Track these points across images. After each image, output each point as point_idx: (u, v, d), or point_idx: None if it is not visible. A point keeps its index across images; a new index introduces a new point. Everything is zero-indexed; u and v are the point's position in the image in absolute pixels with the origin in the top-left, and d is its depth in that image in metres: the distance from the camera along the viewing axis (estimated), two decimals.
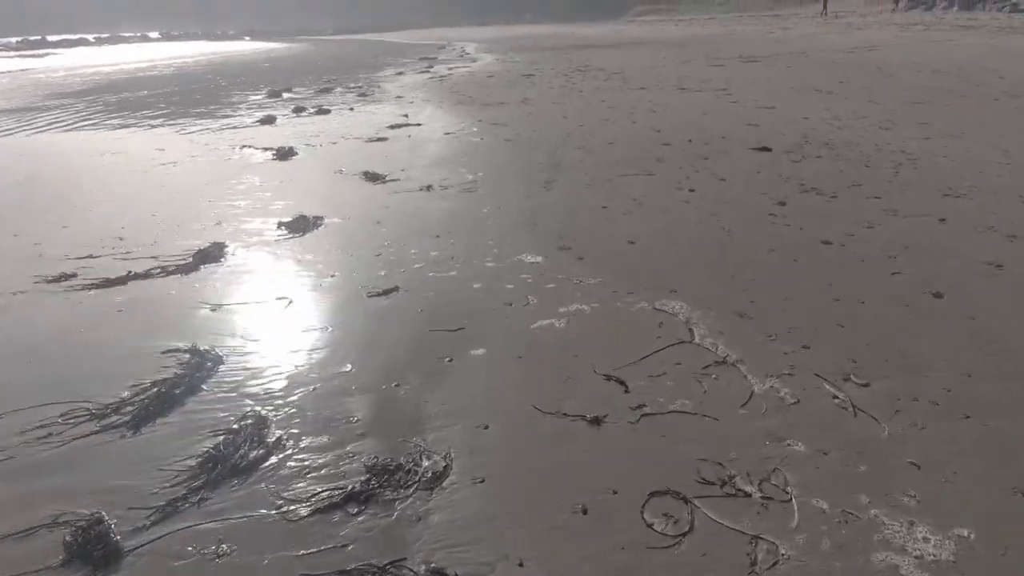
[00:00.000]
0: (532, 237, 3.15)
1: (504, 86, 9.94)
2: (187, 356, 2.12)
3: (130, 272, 2.88)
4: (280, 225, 3.49)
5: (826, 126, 5.46)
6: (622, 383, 1.86)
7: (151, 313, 2.50)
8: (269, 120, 7.42)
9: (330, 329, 2.30)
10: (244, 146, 5.88)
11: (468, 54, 20.94)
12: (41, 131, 7.34)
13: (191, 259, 3.03)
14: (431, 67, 15.25)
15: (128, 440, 1.73)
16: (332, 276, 2.78)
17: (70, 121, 8.07)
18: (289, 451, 1.64)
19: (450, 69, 14.14)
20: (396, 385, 1.92)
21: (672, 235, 3.08)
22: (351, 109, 8.14)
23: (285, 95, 10.20)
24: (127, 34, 60.24)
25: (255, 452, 1.62)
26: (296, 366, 2.05)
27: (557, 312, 2.33)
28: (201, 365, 2.05)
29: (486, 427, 1.70)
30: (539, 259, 2.84)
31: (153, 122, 7.87)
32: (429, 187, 4.16)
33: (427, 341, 2.18)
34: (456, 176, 4.42)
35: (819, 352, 1.97)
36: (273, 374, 2.01)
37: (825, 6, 29.53)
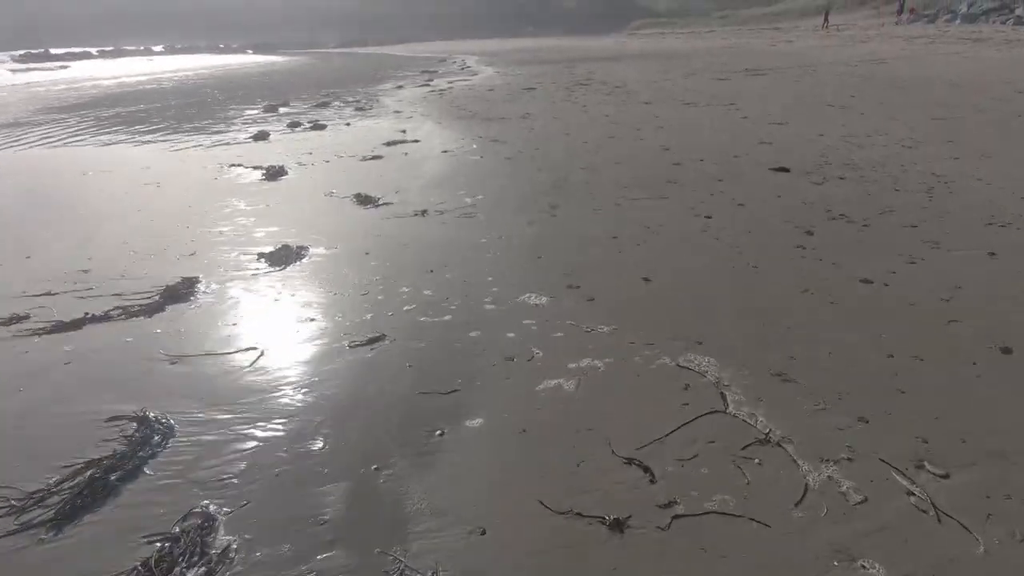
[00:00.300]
0: (536, 272, 2.84)
1: (505, 100, 9.71)
2: (133, 426, 1.81)
3: (87, 314, 2.57)
4: (260, 257, 3.19)
5: (845, 144, 5.18)
6: (647, 469, 1.54)
7: (101, 366, 2.19)
8: (262, 136, 7.16)
9: (304, 390, 1.98)
10: (233, 164, 5.61)
11: (469, 67, 20.83)
12: (28, 147, 7.09)
13: (157, 298, 2.72)
14: (431, 80, 15.08)
15: (47, 546, 1.41)
16: (311, 320, 2.47)
17: (60, 137, 7.82)
18: (238, 568, 1.32)
19: (450, 83, 13.96)
20: (376, 468, 1.60)
21: (691, 271, 2.77)
22: (347, 124, 7.90)
23: (282, 109, 9.98)
24: (131, 47, 60.61)
25: (195, 570, 1.30)
26: (259, 440, 1.74)
27: (566, 369, 2.02)
28: (147, 439, 1.74)
29: (483, 532, 1.38)
30: (544, 300, 2.54)
31: (144, 138, 7.62)
32: (424, 212, 3.87)
33: (415, 406, 1.87)
34: (454, 199, 4.13)
35: (880, 428, 1.66)
36: (231, 452, 1.69)
37: (826, 19, 29.50)
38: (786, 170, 4.41)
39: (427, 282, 2.79)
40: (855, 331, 2.17)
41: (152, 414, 1.85)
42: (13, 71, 28.14)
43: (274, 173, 5.17)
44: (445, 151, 5.80)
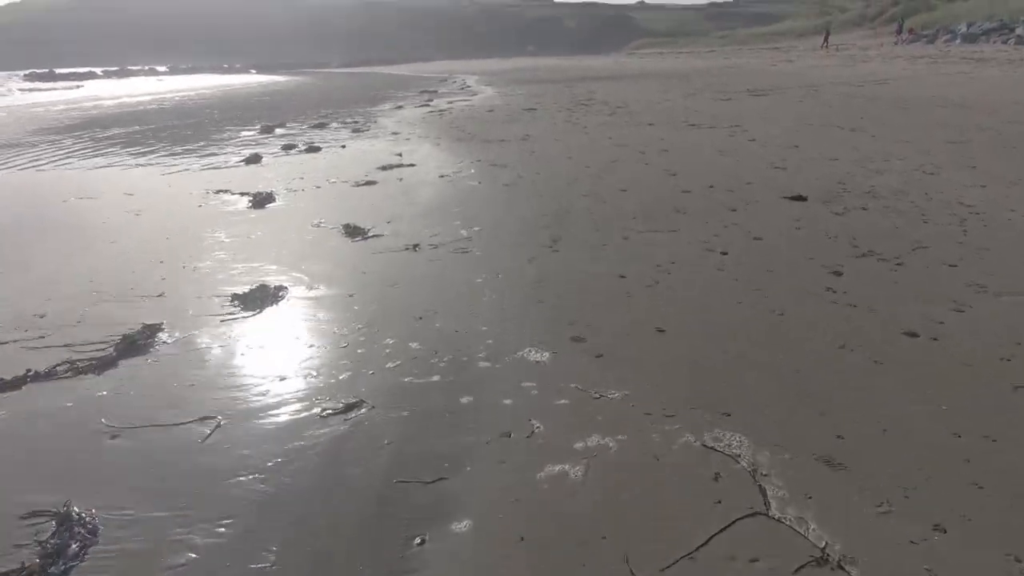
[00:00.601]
0: (536, 320, 2.55)
1: (505, 121, 9.52)
2: (52, 528, 1.50)
3: (29, 371, 2.27)
4: (234, 299, 2.90)
5: (861, 170, 4.92)
6: None
7: (32, 441, 1.89)
8: (255, 159, 6.94)
9: (262, 477, 1.68)
10: (221, 190, 5.36)
11: (469, 87, 20.81)
12: (13, 171, 6.86)
13: (112, 350, 2.43)
14: (431, 100, 14.97)
15: None
16: (282, 380, 2.17)
17: (50, 159, 7.61)
18: None
19: (450, 103, 13.84)
20: None
21: (711, 320, 2.47)
22: (343, 147, 7.68)
23: (278, 130, 9.80)
24: (135, 68, 61.16)
25: None
26: (196, 551, 1.43)
27: (572, 450, 1.71)
28: (63, 549, 1.43)
29: None
30: (545, 356, 2.24)
31: (134, 160, 7.41)
32: (416, 246, 3.59)
33: (392, 502, 1.56)
34: (448, 230, 3.86)
35: (961, 538, 1.34)
36: (158, 569, 1.38)
37: (826, 39, 29.65)
38: (803, 199, 4.14)
39: (415, 331, 2.50)
40: (909, 400, 1.86)
41: (76, 510, 1.54)
42: (18, 91, 28.25)
43: (261, 200, 4.91)
44: (442, 176, 5.55)
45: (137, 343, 2.48)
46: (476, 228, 3.88)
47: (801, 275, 2.86)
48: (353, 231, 3.94)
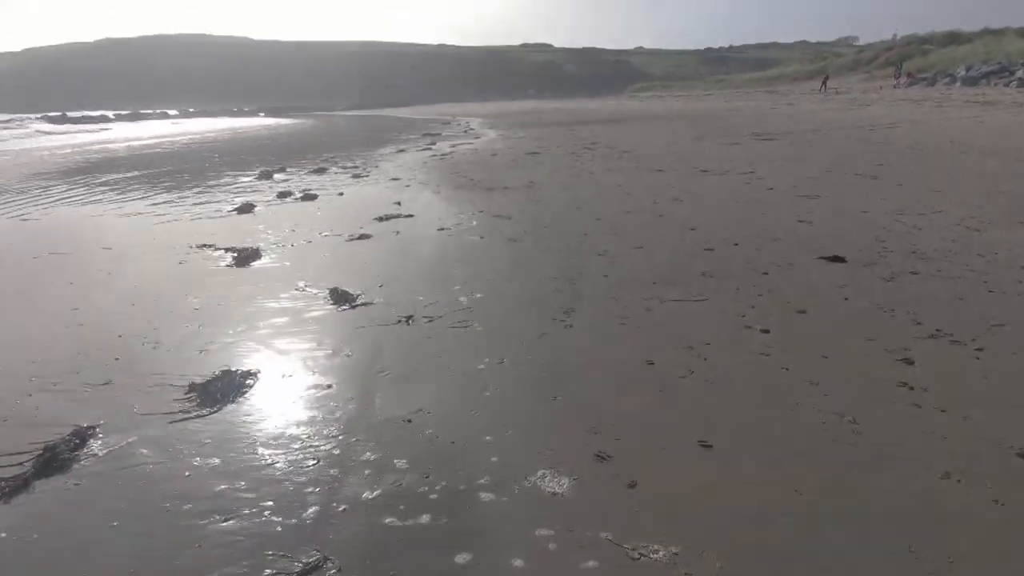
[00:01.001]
0: (550, 427, 2.08)
1: (508, 166, 9.27)
2: None
3: None
4: (191, 390, 2.45)
5: (896, 224, 4.53)
6: None
7: None
8: (247, 208, 6.61)
9: None
10: (205, 244, 4.98)
11: (472, 130, 20.92)
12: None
13: (29, 466, 1.97)
14: (433, 144, 14.90)
15: None
16: (224, 519, 1.69)
17: (38, 206, 7.32)
18: None
19: (453, 146, 13.73)
20: None
21: (765, 432, 2.00)
22: (340, 194, 7.38)
23: (277, 176, 9.57)
24: (147, 111, 62.72)
25: None
26: None
27: None
28: None
29: None
30: (564, 484, 1.76)
31: (123, 208, 7.11)
32: (410, 318, 3.15)
33: None
34: (446, 297, 3.43)
35: None
36: None
37: (824, 83, 30.07)
38: (841, 260, 3.72)
39: (402, 441, 2.03)
40: None
41: None
42: (20, 138, 28.64)
43: (246, 257, 4.52)
44: (442, 229, 5.18)
45: (60, 456, 2.02)
46: (478, 295, 3.45)
47: (864, 364, 2.40)
48: (341, 297, 3.52)
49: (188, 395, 2.42)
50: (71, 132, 30.08)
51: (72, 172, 11.37)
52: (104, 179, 10.07)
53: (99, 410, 2.34)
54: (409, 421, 2.15)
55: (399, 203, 6.45)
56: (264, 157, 13.32)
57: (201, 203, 7.21)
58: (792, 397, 2.17)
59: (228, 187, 8.55)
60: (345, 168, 10.18)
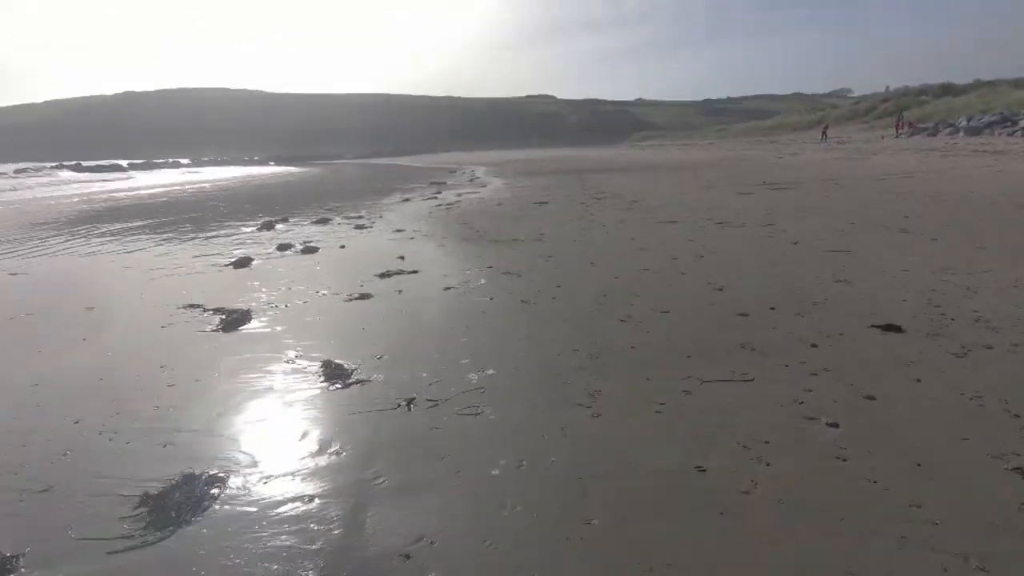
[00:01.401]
0: (587, 562, 1.62)
1: (516, 217, 9.03)
2: None
3: None
4: (143, 503, 2.01)
5: (946, 285, 4.13)
6: None
7: None
8: (244, 262, 6.30)
9: None
10: (193, 305, 4.62)
11: (478, 178, 21.01)
12: None
13: None
14: (439, 193, 14.83)
15: None
16: None
17: (29, 259, 7.04)
18: None
19: (459, 195, 13.62)
20: None
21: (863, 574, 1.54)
22: (342, 247, 7.09)
23: (279, 226, 9.35)
24: (160, 160, 64.28)
25: None
26: None
27: None
28: None
29: None
30: None
31: (117, 262, 6.83)
32: (411, 402, 2.73)
33: None
34: (454, 374, 3.01)
35: None
36: None
37: (825, 132, 30.46)
38: (898, 329, 3.30)
39: None
40: None
41: None
42: (31, 187, 29.13)
43: (234, 321, 4.15)
44: (448, 288, 4.82)
45: None
46: (489, 370, 3.03)
47: (971, 476, 1.95)
48: (334, 373, 3.11)
49: (138, 511, 1.98)
50: (83, 181, 30.58)
51: (75, 222, 11.24)
52: (105, 229, 9.89)
53: (28, 530, 1.90)
54: (408, 557, 1.70)
55: (402, 257, 6.13)
56: (269, 206, 13.22)
57: (198, 255, 6.92)
58: (894, 527, 1.71)
59: (228, 238, 8.30)
60: (348, 218, 9.98)
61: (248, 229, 9.20)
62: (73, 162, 54.18)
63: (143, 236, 8.89)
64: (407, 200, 13.14)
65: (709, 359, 3.03)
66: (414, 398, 2.75)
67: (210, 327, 4.07)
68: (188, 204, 14.80)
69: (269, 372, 3.20)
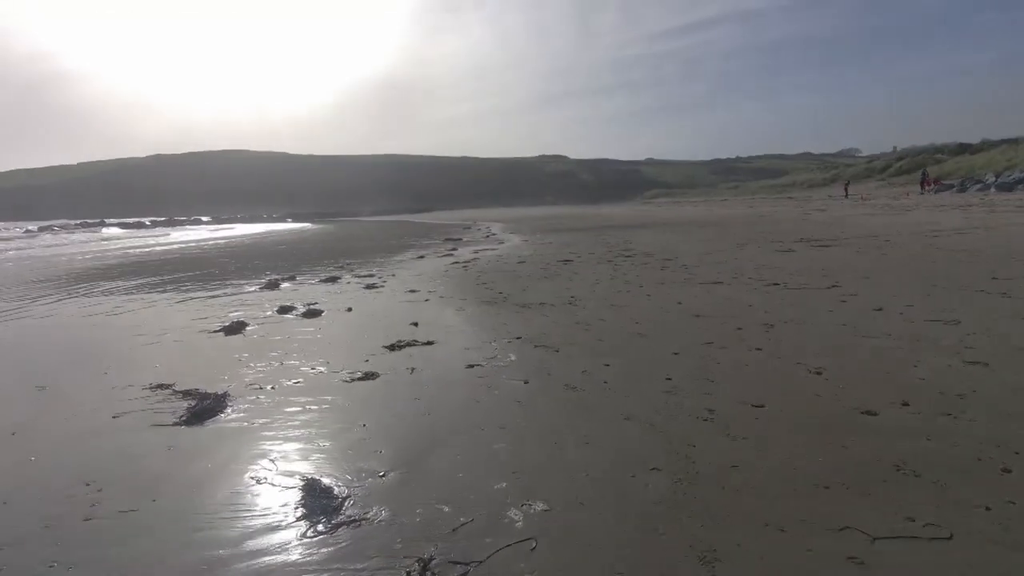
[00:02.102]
0: None
1: (540, 276, 8.25)
2: None
3: None
4: None
5: None
6: None
7: None
8: (237, 328, 5.52)
9: None
10: (161, 385, 3.81)
11: (495, 235, 20.57)
12: None
13: None
14: (455, 250, 14.23)
15: None
16: None
17: (10, 320, 6.36)
18: None
19: (476, 252, 12.98)
20: None
21: None
22: (348, 310, 6.30)
23: (284, 284, 8.67)
24: (181, 217, 65.90)
25: None
26: None
27: None
28: None
29: None
30: None
31: (100, 323, 6.13)
32: (426, 566, 1.80)
33: None
34: (488, 509, 2.09)
35: None
36: None
37: (846, 189, 30.02)
38: None
39: None
40: None
41: None
42: (49, 245, 29.41)
43: (203, 411, 3.29)
44: (472, 366, 3.95)
45: None
46: (539, 505, 2.11)
47: None
48: (319, 501, 2.21)
49: None
50: (106, 239, 30.87)
51: (78, 279, 10.72)
52: (105, 287, 9.30)
53: None
54: None
55: (416, 324, 5.31)
56: (278, 263, 12.67)
57: (190, 319, 6.18)
58: None
59: (229, 297, 7.60)
60: (359, 276, 9.28)
61: (252, 288, 8.53)
62: (97, 220, 55.71)
63: (141, 294, 8.24)
64: (421, 257, 12.52)
65: (861, 492, 2.08)
66: (431, 560, 1.82)
67: (172, 418, 3.21)
68: (198, 261, 14.34)
69: (230, 495, 2.30)
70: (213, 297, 7.75)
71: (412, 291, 7.41)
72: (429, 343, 4.58)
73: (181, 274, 11.05)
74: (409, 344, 4.58)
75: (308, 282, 8.99)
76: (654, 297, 6.19)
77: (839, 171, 62.30)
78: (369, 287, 8.05)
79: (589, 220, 27.83)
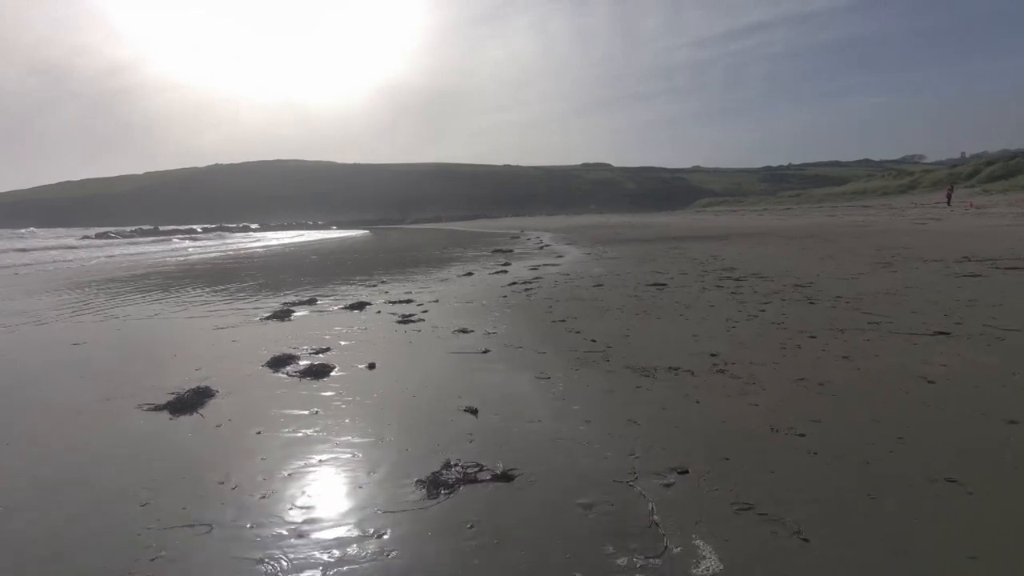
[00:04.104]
0: None
1: (636, 308, 5.97)
2: None
3: None
4: None
5: None
6: None
7: None
8: (191, 403, 3.58)
9: None
10: None
11: (548, 246, 18.38)
12: None
13: None
14: (508, 264, 12.11)
15: None
16: None
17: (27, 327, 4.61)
18: None
19: (534, 269, 10.80)
20: None
21: None
22: (371, 367, 4.22)
23: (299, 312, 6.75)
24: (231, 225, 66.97)
25: None
26: None
27: None
28: None
29: None
30: None
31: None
32: None
33: None
34: None
35: None
36: None
37: (949, 196, 26.33)
38: None
39: None
40: None
41: None
42: (86, 248, 29.22)
43: None
44: (583, 503, 1.72)
45: None
46: None
47: None
48: None
49: None
50: (141, 244, 30.55)
51: (94, 284, 9.12)
52: (111, 289, 7.60)
53: None
54: None
55: (475, 411, 3.14)
56: (306, 278, 10.87)
57: (128, 383, 4.24)
58: None
59: (222, 332, 5.69)
60: (393, 302, 7.24)
61: (260, 315, 6.64)
62: (151, 226, 56.99)
63: (146, 304, 6.45)
64: (469, 274, 10.42)
65: None
66: None
67: None
68: (220, 274, 12.77)
69: None
70: (199, 332, 5.85)
71: (463, 331, 5.27)
72: (506, 477, 2.37)
73: (199, 286, 9.36)
74: (466, 475, 2.40)
75: (330, 308, 7.04)
76: (856, 362, 3.80)
77: (916, 177, 56.93)
78: (404, 319, 5.99)
79: (647, 230, 25.24)
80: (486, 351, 4.46)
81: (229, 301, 7.95)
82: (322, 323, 6.06)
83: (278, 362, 4.38)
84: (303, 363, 4.32)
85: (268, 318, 6.52)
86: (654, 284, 7.75)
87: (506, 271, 10.71)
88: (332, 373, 4.09)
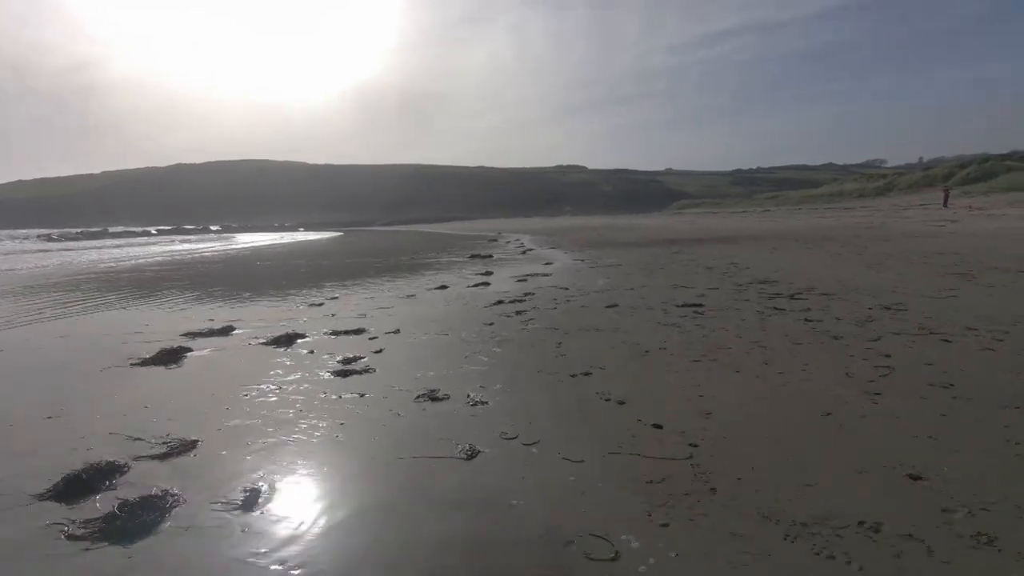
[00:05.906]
0: None
1: (683, 347, 4.08)
2: None
3: None
4: None
5: None
6: None
7: None
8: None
9: None
10: None
11: (531, 249, 16.49)
12: None
13: None
14: (488, 273, 10.15)
15: None
16: None
17: None
18: None
19: (521, 280, 8.85)
20: None
21: None
22: (244, 508, 2.18)
23: (195, 352, 4.73)
24: (190, 227, 63.13)
25: None
26: None
27: None
28: None
29: None
30: None
31: None
32: None
33: None
34: None
35: None
36: None
37: (946, 197, 25.54)
38: None
39: None
40: None
41: None
42: (33, 252, 26.18)
43: None
44: None
45: None
46: None
47: None
48: None
49: None
50: (85, 248, 27.52)
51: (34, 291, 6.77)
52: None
53: None
54: None
55: None
56: (240, 291, 8.64)
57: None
58: None
59: (50, 393, 3.56)
60: (337, 332, 5.20)
61: (141, 354, 4.54)
62: (99, 228, 52.87)
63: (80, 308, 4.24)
64: (443, 287, 8.41)
65: None
66: None
67: None
68: (147, 282, 10.41)
69: None
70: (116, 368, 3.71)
71: (431, 396, 3.29)
72: None
73: (85, 302, 7.09)
74: None
75: (247, 343, 4.98)
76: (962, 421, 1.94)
77: (890, 180, 57.24)
78: (344, 369, 3.98)
79: (635, 233, 23.61)
80: (472, 455, 2.48)
81: (125, 330, 5.76)
82: (218, 376, 4.00)
83: (76, 488, 2.31)
84: (119, 494, 2.28)
85: (147, 361, 4.44)
86: (686, 305, 5.89)
87: (488, 283, 8.75)
88: (160, 526, 2.05)
